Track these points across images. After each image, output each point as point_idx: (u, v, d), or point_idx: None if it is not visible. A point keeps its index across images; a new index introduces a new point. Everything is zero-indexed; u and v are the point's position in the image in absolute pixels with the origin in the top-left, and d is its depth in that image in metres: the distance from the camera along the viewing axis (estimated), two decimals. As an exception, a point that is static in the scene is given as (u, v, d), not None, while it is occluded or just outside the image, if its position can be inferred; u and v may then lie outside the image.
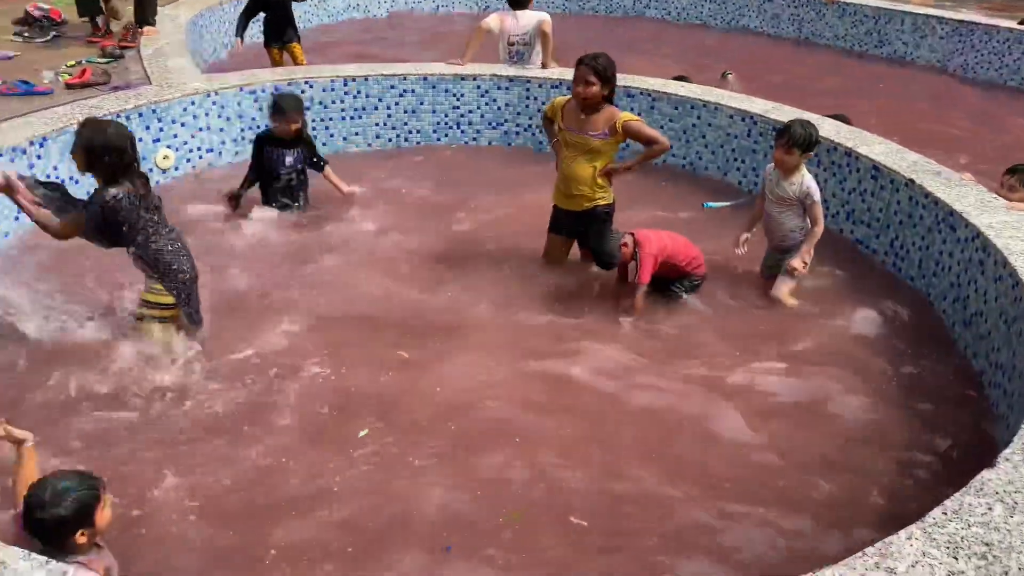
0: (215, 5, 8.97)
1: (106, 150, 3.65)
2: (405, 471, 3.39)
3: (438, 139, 7.14)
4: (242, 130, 6.39)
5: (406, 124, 7.04)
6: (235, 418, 3.65)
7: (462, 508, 3.21)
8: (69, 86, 6.17)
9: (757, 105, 6.49)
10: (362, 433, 3.58)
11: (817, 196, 4.69)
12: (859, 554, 2.30)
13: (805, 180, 4.69)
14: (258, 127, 6.44)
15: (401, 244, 5.33)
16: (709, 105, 6.59)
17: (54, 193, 3.86)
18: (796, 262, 4.73)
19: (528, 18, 7.16)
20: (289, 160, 5.48)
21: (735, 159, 6.55)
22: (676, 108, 6.75)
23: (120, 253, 3.95)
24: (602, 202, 4.82)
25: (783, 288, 4.81)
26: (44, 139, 5.13)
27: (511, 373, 4.07)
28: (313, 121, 6.64)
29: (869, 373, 4.20)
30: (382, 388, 3.92)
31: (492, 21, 7.15)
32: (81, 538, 2.44)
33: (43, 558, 2.13)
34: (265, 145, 5.49)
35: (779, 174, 4.74)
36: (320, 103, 6.65)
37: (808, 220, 4.79)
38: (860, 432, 3.79)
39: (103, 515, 2.51)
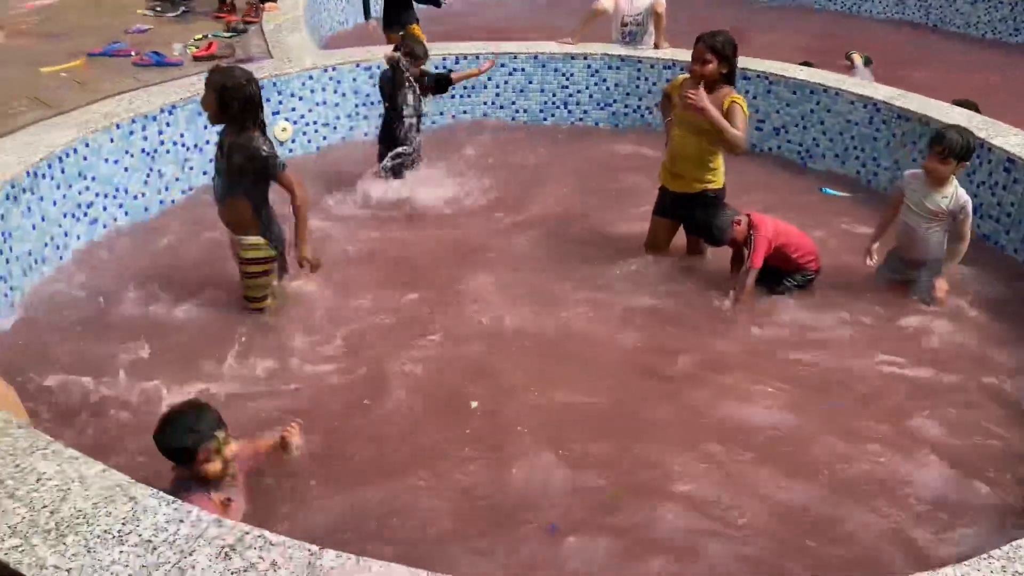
0: (333, -17, 9.21)
1: (236, 93, 3.75)
2: (513, 446, 3.41)
3: (544, 119, 7.13)
4: (356, 106, 6.53)
5: (514, 103, 7.06)
6: (351, 385, 3.77)
7: (565, 486, 3.22)
8: (196, 58, 6.44)
9: (881, 91, 6.20)
10: (474, 404, 3.62)
11: (970, 210, 4.33)
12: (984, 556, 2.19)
13: (960, 192, 4.32)
14: (373, 103, 6.58)
15: (498, 225, 5.35)
16: (830, 90, 6.33)
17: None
18: (941, 288, 4.40)
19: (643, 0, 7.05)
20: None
21: (854, 148, 6.28)
22: (794, 92, 6.51)
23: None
24: (712, 186, 4.69)
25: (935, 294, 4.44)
26: (173, 107, 5.37)
27: (612, 358, 4.04)
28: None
29: (999, 373, 3.99)
30: (489, 361, 3.96)
31: (606, 1, 7.06)
32: (204, 466, 2.58)
33: (170, 497, 2.25)
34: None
35: (927, 184, 4.37)
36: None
37: (950, 236, 4.41)
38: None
39: (214, 459, 2.62)
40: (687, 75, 4.69)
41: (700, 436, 3.52)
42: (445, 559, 2.83)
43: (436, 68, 6.66)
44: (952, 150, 4.22)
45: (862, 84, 6.43)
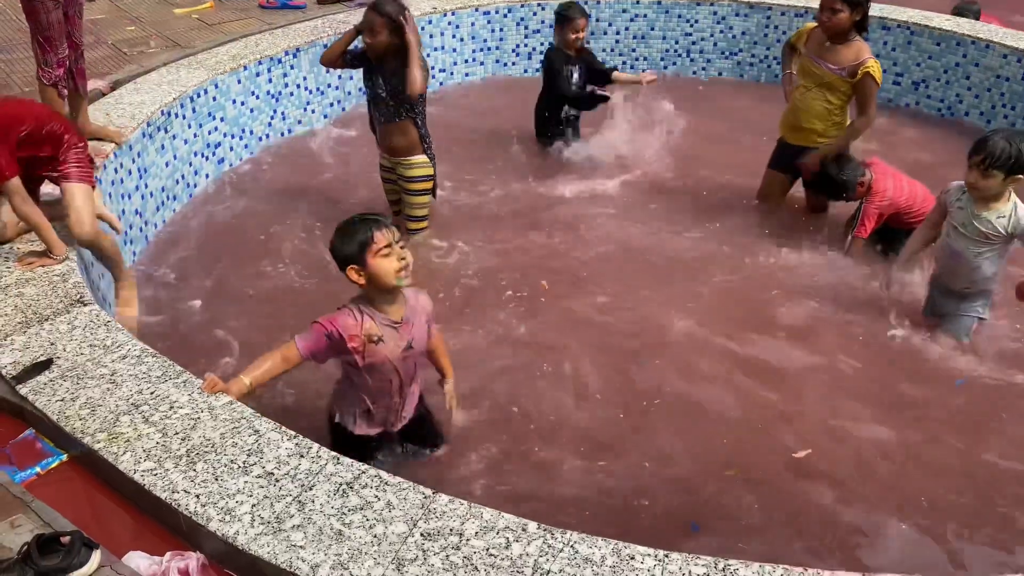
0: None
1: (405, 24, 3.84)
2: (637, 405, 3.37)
3: (665, 67, 6.89)
4: (473, 51, 6.48)
5: (634, 51, 6.85)
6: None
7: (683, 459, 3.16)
8: (320, 2, 6.51)
9: (1039, 43, 5.70)
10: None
11: None
12: None
13: (1020, 210, 3.42)
14: (490, 48, 6.52)
15: (612, 169, 5.23)
16: (979, 42, 5.86)
17: None
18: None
19: None
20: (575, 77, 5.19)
21: (1003, 105, 5.82)
22: (938, 44, 6.06)
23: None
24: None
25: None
26: (297, 50, 5.46)
27: (717, 319, 3.92)
28: (542, 45, 6.61)
29: None
30: (597, 317, 3.91)
31: None
32: (352, 274, 2.54)
33: (291, 432, 2.32)
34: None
35: (973, 201, 3.51)
36: (551, 26, 6.57)
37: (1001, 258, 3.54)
38: None
39: (376, 260, 2.50)
40: (814, 24, 4.41)
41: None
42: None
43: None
44: (995, 160, 3.31)
45: (1017, 35, 5.90)
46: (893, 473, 3.06)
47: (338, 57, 4.13)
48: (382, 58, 3.98)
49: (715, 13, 6.68)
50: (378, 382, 2.69)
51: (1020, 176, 3.33)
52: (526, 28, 6.58)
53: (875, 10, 6.32)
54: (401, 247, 2.55)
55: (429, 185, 4.27)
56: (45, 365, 2.62)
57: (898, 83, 6.33)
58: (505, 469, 2.98)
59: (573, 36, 5.12)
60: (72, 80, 3.95)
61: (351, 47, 4.10)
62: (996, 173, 3.32)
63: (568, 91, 5.17)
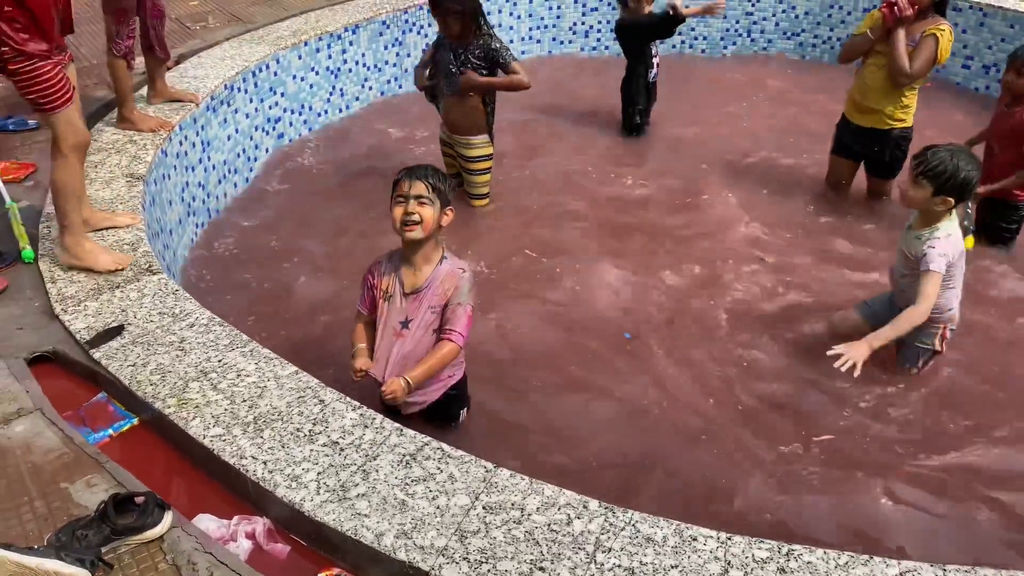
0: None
1: (481, 11, 4.03)
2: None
3: (724, 47, 6.78)
4: (530, 29, 6.44)
5: (692, 30, 6.74)
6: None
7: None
8: (378, -22, 6.53)
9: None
10: (627, 335, 3.58)
11: (938, 265, 2.98)
12: None
13: (932, 237, 3.03)
14: (546, 26, 6.48)
15: (670, 156, 5.17)
16: (1057, 24, 5.64)
17: None
18: (855, 350, 2.86)
19: None
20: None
21: (1079, 90, 5.59)
22: (1012, 27, 5.85)
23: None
24: (899, 125, 4.31)
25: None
26: (356, 27, 5.49)
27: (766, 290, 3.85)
28: (599, 23, 6.55)
29: None
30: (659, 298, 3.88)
31: None
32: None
33: (355, 402, 2.35)
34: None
35: (916, 218, 3.17)
36: (609, 4, 6.52)
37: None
38: None
39: (392, 205, 2.60)
40: (881, 11, 4.23)
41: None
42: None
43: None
44: (928, 169, 2.98)
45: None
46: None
47: (423, 80, 4.25)
48: (464, 33, 4.03)
49: (778, -8, 6.54)
50: (381, 334, 2.73)
51: (950, 199, 2.99)
52: (584, 6, 6.52)
53: (946, -10, 6.14)
54: (420, 203, 2.55)
55: (489, 164, 4.32)
56: (117, 331, 2.69)
57: (968, 67, 6.13)
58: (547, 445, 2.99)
59: (648, 6, 5.01)
60: (153, 47, 4.08)
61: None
62: (925, 184, 3.00)
63: (650, 20, 4.99)
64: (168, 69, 4.73)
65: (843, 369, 2.83)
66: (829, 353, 2.89)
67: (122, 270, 3.02)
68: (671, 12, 4.80)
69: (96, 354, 2.59)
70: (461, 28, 3.98)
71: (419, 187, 2.57)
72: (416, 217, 2.55)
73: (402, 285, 2.67)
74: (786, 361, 3.43)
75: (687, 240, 4.27)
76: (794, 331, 3.59)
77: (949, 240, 3.05)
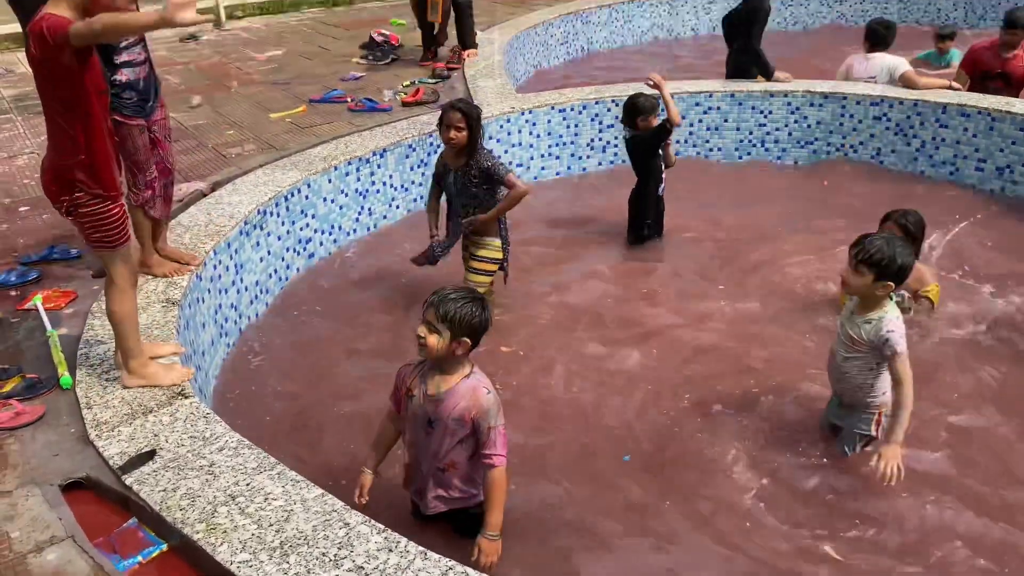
0: (528, 28, 9.50)
1: (480, 119, 4.38)
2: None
3: (740, 157, 6.96)
4: (549, 146, 6.69)
5: (707, 142, 6.95)
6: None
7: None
8: (405, 104, 6.85)
9: None
10: (626, 458, 3.57)
11: (903, 346, 3.13)
12: None
13: (886, 321, 3.15)
14: (564, 143, 6.72)
15: (693, 265, 5.27)
16: (1066, 127, 5.76)
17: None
18: (888, 457, 3.07)
19: (879, 62, 6.78)
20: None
21: (1095, 189, 5.66)
22: (1021, 130, 5.97)
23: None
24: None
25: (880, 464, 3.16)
26: (384, 151, 5.74)
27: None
28: (615, 138, 6.78)
29: None
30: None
31: (843, 65, 7.04)
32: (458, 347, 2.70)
33: (380, 525, 2.36)
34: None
35: (857, 303, 3.29)
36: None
37: (890, 376, 3.22)
38: None
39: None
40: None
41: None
42: None
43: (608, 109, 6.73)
44: (867, 256, 3.08)
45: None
46: None
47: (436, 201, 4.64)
48: (461, 154, 4.35)
49: (789, 103, 6.76)
50: (407, 439, 2.93)
51: (890, 283, 3.11)
52: (600, 123, 6.77)
53: (952, 98, 6.33)
54: (429, 329, 2.67)
55: (493, 268, 4.57)
56: (149, 456, 2.76)
57: (981, 169, 6.23)
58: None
59: (655, 122, 5.24)
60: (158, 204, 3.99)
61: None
62: (865, 272, 3.10)
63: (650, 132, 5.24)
64: (204, 195, 4.99)
65: (892, 476, 3.06)
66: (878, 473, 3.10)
67: (188, 381, 3.21)
68: (668, 126, 5.16)
69: (128, 479, 2.65)
70: (468, 139, 4.29)
71: (430, 314, 2.69)
72: (423, 340, 2.69)
73: (426, 388, 2.79)
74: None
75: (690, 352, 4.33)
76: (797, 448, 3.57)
77: (900, 321, 3.19)
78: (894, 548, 3.05)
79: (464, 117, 4.28)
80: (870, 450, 3.34)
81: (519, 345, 4.38)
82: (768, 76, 6.77)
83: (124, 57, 3.65)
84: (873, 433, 3.36)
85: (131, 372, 3.18)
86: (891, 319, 3.16)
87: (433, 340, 2.67)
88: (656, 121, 5.24)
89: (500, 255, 4.54)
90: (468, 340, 2.71)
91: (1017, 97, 6.61)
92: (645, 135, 5.27)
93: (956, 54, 7.63)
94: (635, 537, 3.11)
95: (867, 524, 3.16)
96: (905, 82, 6.56)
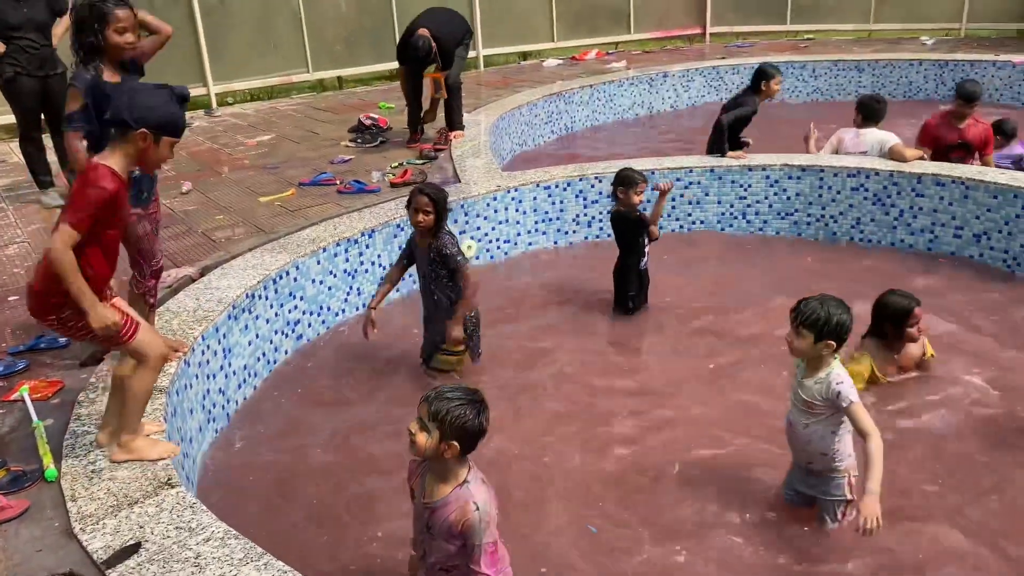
0: (513, 108, 9.76)
1: (446, 202, 4.64)
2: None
3: (722, 229, 7.09)
4: (536, 222, 6.80)
5: (690, 215, 7.08)
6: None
7: None
8: (393, 185, 6.98)
9: (1102, 193, 5.72)
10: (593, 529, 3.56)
11: (855, 395, 3.22)
12: None
13: (833, 375, 3.26)
14: (551, 219, 6.84)
15: (676, 336, 5.31)
16: (1036, 194, 5.91)
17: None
18: (867, 512, 3.05)
19: (870, 137, 6.96)
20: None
21: (1071, 254, 5.78)
22: (995, 197, 6.13)
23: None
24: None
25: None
26: (372, 231, 5.83)
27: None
28: (600, 213, 6.90)
29: None
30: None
31: (833, 138, 7.21)
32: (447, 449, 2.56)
33: None
34: None
35: (803, 368, 3.39)
36: (608, 196, 6.86)
37: (856, 429, 3.28)
38: None
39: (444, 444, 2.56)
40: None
41: None
42: None
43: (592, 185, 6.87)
44: (805, 319, 3.23)
45: (1076, 186, 5.94)
46: None
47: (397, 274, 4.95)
48: (426, 235, 4.64)
49: (768, 177, 6.92)
50: (414, 532, 2.84)
51: (832, 342, 3.22)
52: (585, 199, 6.91)
53: (928, 168, 6.50)
54: (420, 425, 2.56)
55: (459, 347, 4.79)
56: (134, 549, 2.71)
57: (959, 236, 6.36)
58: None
59: (637, 199, 5.41)
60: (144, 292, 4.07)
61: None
62: (806, 333, 3.23)
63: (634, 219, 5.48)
64: (193, 280, 5.02)
65: (873, 528, 3.03)
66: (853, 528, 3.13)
67: (172, 457, 3.24)
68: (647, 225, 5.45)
69: (112, 574, 2.60)
70: (436, 216, 4.56)
71: (423, 409, 2.58)
72: (412, 436, 2.59)
73: (423, 491, 2.71)
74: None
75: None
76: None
77: (847, 374, 3.29)
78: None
79: (431, 202, 4.55)
80: (851, 513, 3.37)
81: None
82: (722, 154, 6.99)
83: None
84: (849, 496, 3.40)
85: (121, 446, 3.19)
86: (837, 373, 3.27)
87: (422, 439, 2.56)
88: (637, 199, 5.38)
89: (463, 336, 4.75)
90: (457, 444, 2.55)
91: (975, 161, 6.88)
92: (629, 217, 5.41)
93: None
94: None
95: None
96: (893, 155, 6.72)
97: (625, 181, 5.45)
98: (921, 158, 6.76)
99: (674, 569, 3.33)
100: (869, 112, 7.06)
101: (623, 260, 5.56)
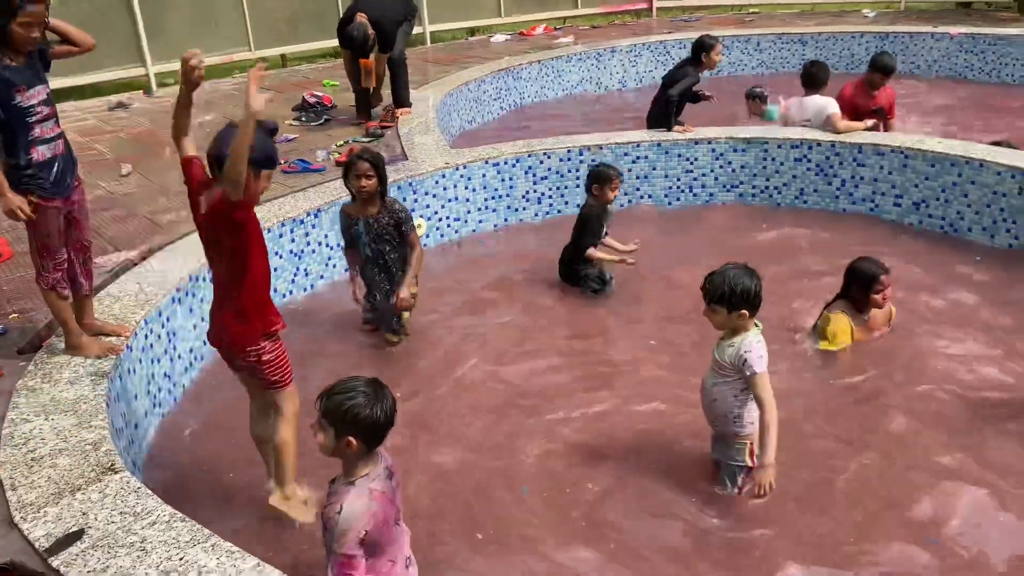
0: (461, 85, 9.68)
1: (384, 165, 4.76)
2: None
3: (669, 203, 7.15)
4: (486, 200, 6.78)
5: (638, 189, 7.12)
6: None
7: None
8: (338, 163, 6.87)
9: (1031, 159, 5.90)
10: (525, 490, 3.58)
11: (760, 366, 3.29)
12: None
13: (745, 343, 3.33)
14: (500, 197, 6.82)
15: (632, 310, 5.36)
16: (973, 162, 6.07)
17: None
18: (761, 478, 3.27)
19: (811, 104, 7.06)
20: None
21: (1003, 220, 5.96)
22: (933, 166, 6.28)
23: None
24: None
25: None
26: (318, 211, 5.75)
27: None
28: (550, 190, 6.91)
29: None
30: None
31: (781, 109, 7.33)
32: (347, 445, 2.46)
33: None
34: None
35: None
36: (557, 172, 6.92)
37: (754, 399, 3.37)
38: None
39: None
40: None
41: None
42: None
43: (561, 160, 6.88)
44: (712, 296, 3.33)
45: (1010, 153, 6.12)
46: None
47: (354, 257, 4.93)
48: (372, 201, 4.71)
49: (713, 150, 6.99)
50: None
51: (745, 311, 3.30)
52: (534, 175, 6.90)
53: (869, 138, 6.64)
54: (319, 425, 2.50)
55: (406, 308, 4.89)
56: (77, 535, 2.66)
57: (899, 204, 6.51)
58: None
59: (613, 195, 5.51)
60: (77, 280, 3.89)
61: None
62: (718, 308, 3.33)
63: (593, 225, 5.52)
64: (135, 264, 4.91)
65: (766, 493, 3.25)
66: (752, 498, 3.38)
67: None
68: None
69: (55, 562, 2.55)
70: (378, 185, 4.63)
71: (318, 406, 2.51)
72: (313, 433, 2.53)
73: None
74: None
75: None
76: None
77: (760, 344, 3.34)
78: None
79: (372, 166, 4.62)
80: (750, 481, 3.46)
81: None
82: (668, 128, 7.03)
83: (37, 132, 3.53)
84: (749, 463, 3.48)
85: (284, 496, 3.38)
86: (750, 341, 3.34)
87: (320, 438, 2.48)
88: (612, 195, 5.49)
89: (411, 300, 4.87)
90: (353, 439, 2.45)
91: (885, 128, 7.13)
92: (600, 217, 5.50)
93: (773, 112, 7.79)
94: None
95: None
96: (830, 124, 6.84)
97: (601, 178, 5.50)
98: (870, 129, 6.89)
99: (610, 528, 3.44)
100: (809, 79, 7.18)
101: (579, 249, 5.56)
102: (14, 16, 3.42)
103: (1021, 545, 3.27)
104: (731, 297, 3.29)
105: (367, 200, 4.70)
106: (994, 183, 5.97)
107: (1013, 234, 5.90)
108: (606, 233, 5.62)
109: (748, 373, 3.30)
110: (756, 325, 3.40)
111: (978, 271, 5.62)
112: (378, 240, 4.77)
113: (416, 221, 6.26)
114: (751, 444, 3.46)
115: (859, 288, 4.63)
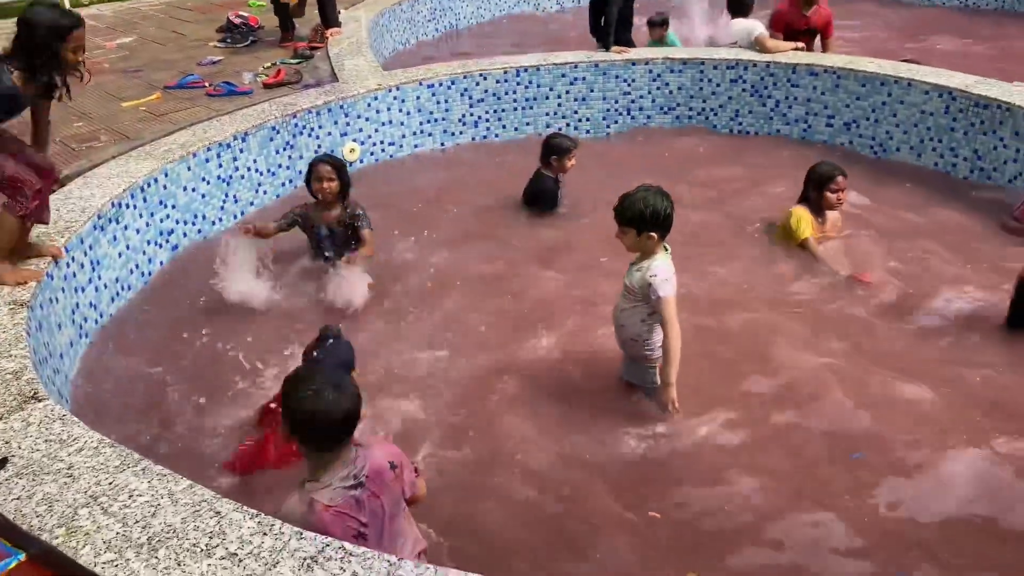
0: (394, 4, 9.36)
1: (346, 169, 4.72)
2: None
3: (607, 127, 7.10)
4: (421, 123, 6.63)
5: (576, 112, 7.05)
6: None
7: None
8: (266, 86, 6.63)
9: (957, 79, 6.00)
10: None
11: (666, 290, 3.31)
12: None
13: (653, 267, 3.34)
14: (436, 120, 6.68)
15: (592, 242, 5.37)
16: (901, 81, 6.15)
17: None
18: (662, 398, 3.43)
19: (737, 27, 7.07)
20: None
21: (930, 139, 6.08)
22: (863, 85, 6.35)
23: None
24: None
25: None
26: (246, 134, 5.55)
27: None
28: (487, 112, 6.79)
29: None
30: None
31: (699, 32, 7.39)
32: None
33: (253, 511, 2.31)
34: None
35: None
36: (494, 94, 6.78)
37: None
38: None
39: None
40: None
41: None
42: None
43: (498, 82, 6.75)
44: (623, 218, 3.32)
45: (936, 72, 6.21)
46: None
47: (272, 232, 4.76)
48: (334, 204, 4.63)
49: (651, 71, 6.93)
50: None
51: (653, 233, 3.30)
52: (471, 98, 6.76)
53: (802, 58, 6.66)
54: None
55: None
56: (0, 464, 2.59)
57: (831, 125, 6.59)
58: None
59: (570, 164, 5.46)
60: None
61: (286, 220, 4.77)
62: (627, 229, 3.33)
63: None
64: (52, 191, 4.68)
65: (671, 411, 3.41)
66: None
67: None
68: None
69: (-23, 492, 2.48)
70: (340, 187, 4.55)
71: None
72: None
73: None
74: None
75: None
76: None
77: (668, 268, 3.37)
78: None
79: (333, 168, 4.54)
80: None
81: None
82: (606, 48, 6.96)
83: None
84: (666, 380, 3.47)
85: None
86: (658, 265, 3.35)
87: (282, 431, 2.36)
88: (570, 164, 5.42)
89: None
90: (304, 445, 2.33)
91: (823, 48, 7.18)
92: (552, 188, 5.48)
93: (673, 38, 7.90)
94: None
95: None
96: (758, 45, 6.85)
97: (558, 150, 5.43)
98: (797, 50, 6.91)
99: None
100: (735, 4, 7.26)
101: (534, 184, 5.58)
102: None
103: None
104: (640, 218, 3.27)
105: (329, 203, 4.62)
106: (921, 103, 6.07)
107: (939, 153, 6.03)
108: (562, 201, 5.57)
109: (654, 297, 3.32)
110: (665, 248, 3.41)
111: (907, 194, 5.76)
112: (340, 244, 4.70)
113: (348, 145, 6.16)
114: (659, 367, 3.48)
115: (815, 188, 4.81)
